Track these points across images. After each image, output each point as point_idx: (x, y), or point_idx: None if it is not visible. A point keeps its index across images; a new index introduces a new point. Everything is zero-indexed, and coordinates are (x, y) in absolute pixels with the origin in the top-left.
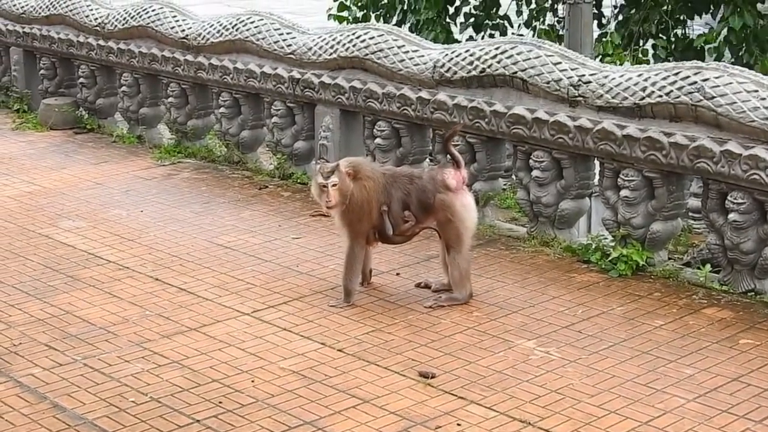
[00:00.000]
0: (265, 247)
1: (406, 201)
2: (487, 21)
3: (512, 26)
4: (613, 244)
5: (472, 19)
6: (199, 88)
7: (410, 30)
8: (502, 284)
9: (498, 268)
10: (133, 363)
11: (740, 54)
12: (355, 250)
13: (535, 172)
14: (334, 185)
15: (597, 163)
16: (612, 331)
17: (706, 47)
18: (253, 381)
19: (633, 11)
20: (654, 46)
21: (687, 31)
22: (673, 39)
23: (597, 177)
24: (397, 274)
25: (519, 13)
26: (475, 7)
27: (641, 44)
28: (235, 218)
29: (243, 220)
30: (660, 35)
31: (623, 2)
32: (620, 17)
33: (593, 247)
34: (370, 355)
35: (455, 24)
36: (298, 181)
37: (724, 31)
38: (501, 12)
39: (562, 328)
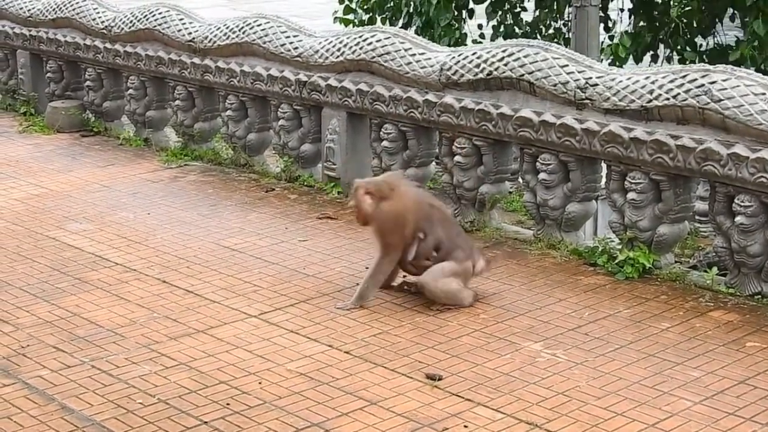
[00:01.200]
0: (272, 249)
1: (439, 244)
2: (515, 29)
3: (538, 35)
4: (619, 246)
5: (502, 29)
6: (206, 91)
7: (416, 32)
8: (509, 287)
9: (504, 271)
10: (141, 365)
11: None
12: (384, 262)
13: (541, 175)
14: (353, 204)
15: (604, 165)
16: (618, 333)
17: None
18: (260, 383)
19: (643, 23)
20: (680, 56)
21: (718, 39)
22: (690, 48)
23: (604, 180)
24: (404, 276)
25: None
26: (502, 18)
27: (658, 55)
28: (242, 221)
29: (250, 222)
30: (686, 47)
31: (633, 14)
32: (630, 28)
33: (600, 249)
34: (377, 357)
35: (468, 28)
36: (305, 183)
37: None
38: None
39: (569, 330)
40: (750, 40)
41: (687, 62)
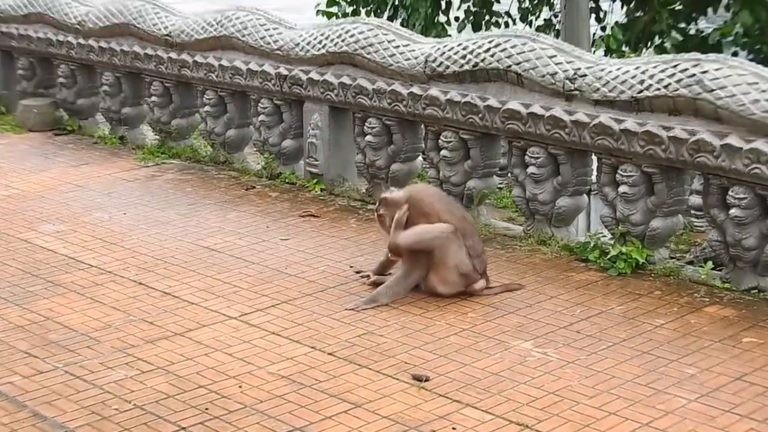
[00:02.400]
0: (253, 249)
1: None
2: (487, 17)
3: (515, 22)
4: (612, 241)
5: (471, 18)
6: (183, 86)
7: (402, 25)
8: (500, 283)
9: (494, 268)
10: (116, 370)
11: (757, 48)
12: (410, 274)
13: (530, 169)
14: (379, 215)
15: (595, 158)
16: (611, 330)
17: (723, 41)
18: (240, 386)
19: (640, 13)
20: (661, 45)
21: (698, 26)
22: (681, 37)
23: (595, 173)
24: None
25: (521, 10)
26: (473, 4)
27: (649, 45)
28: (222, 220)
29: (229, 221)
30: (672, 32)
31: (625, 3)
32: (625, 19)
33: (592, 245)
34: (361, 359)
35: (448, 21)
36: (286, 181)
37: (739, 27)
38: (498, 8)
39: (560, 328)
40: (732, 22)
41: (671, 48)
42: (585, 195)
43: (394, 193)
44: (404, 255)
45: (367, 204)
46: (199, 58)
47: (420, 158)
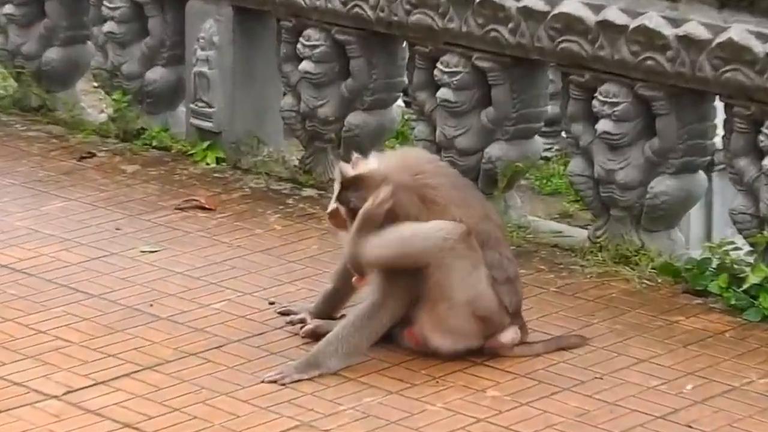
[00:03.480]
0: (91, 269)
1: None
2: None
3: None
4: (752, 258)
5: None
6: None
7: None
8: (545, 335)
9: (533, 305)
10: None
11: None
12: (381, 312)
13: (602, 124)
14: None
15: (720, 105)
16: (749, 424)
17: None
18: None
19: None
20: None
21: None
22: None
23: (720, 132)
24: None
25: None
26: None
27: None
28: (34, 216)
29: (49, 218)
30: None
31: None
32: None
33: (713, 264)
34: None
35: None
36: (153, 143)
37: None
38: None
39: (656, 418)
40: None
41: None
42: (702, 173)
43: (368, 164)
44: (375, 277)
45: (303, 187)
46: None
47: (400, 102)
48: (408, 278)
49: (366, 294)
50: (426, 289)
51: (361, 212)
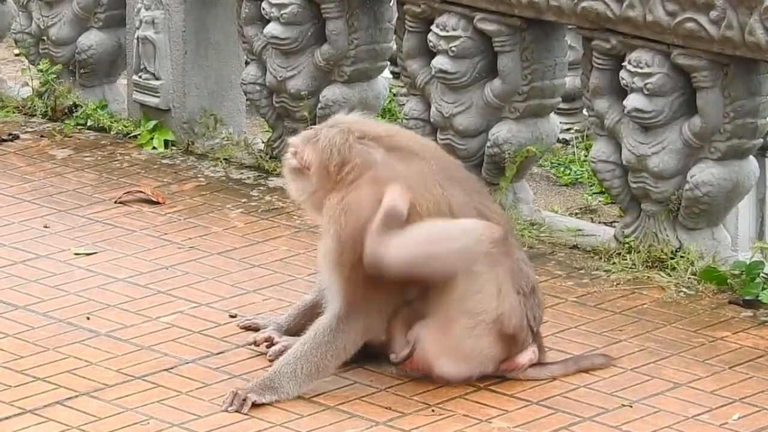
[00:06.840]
0: (14, 274)
1: None
2: None
3: None
4: None
5: None
6: None
7: None
8: (565, 353)
9: (552, 319)
10: None
11: None
12: (357, 316)
13: (632, 100)
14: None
15: None
16: None
17: None
18: None
19: None
20: None
21: None
22: None
23: None
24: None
25: None
26: None
27: None
28: None
29: None
30: None
31: None
32: None
33: (766, 269)
34: None
35: None
36: (89, 122)
37: None
38: None
39: None
40: None
41: None
42: (752, 158)
43: (365, 147)
44: (334, 280)
45: (269, 176)
46: None
47: (387, 74)
48: (389, 284)
49: (332, 293)
50: (441, 303)
51: (384, 206)
